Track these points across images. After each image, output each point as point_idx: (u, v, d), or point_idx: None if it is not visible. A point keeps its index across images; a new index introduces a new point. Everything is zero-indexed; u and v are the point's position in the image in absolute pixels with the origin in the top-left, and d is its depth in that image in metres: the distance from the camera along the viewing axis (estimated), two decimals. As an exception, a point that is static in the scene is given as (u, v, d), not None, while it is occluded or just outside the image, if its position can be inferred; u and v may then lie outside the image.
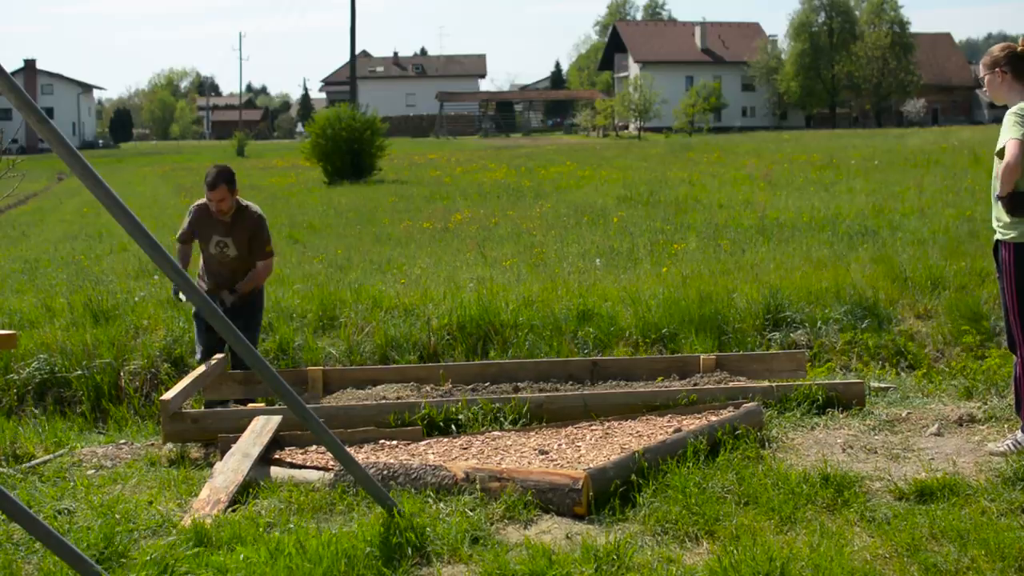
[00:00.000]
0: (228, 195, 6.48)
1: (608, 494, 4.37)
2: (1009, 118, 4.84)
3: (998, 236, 5.06)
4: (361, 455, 5.15)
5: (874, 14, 76.63)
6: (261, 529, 4.15)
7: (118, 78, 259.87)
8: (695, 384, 6.40)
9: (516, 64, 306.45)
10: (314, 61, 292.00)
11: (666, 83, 72.59)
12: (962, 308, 8.18)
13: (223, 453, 5.23)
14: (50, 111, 74.60)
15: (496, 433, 5.53)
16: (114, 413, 7.54)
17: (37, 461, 5.57)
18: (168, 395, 5.75)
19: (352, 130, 28.63)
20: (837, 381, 6.47)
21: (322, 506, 4.50)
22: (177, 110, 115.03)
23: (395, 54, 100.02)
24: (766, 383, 6.24)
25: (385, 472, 4.63)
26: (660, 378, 6.64)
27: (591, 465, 4.70)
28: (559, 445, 5.26)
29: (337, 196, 23.12)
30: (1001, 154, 4.84)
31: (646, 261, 11.11)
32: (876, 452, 5.18)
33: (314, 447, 5.36)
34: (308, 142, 30.86)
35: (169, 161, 49.17)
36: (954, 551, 3.81)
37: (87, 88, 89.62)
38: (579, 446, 5.23)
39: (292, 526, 4.17)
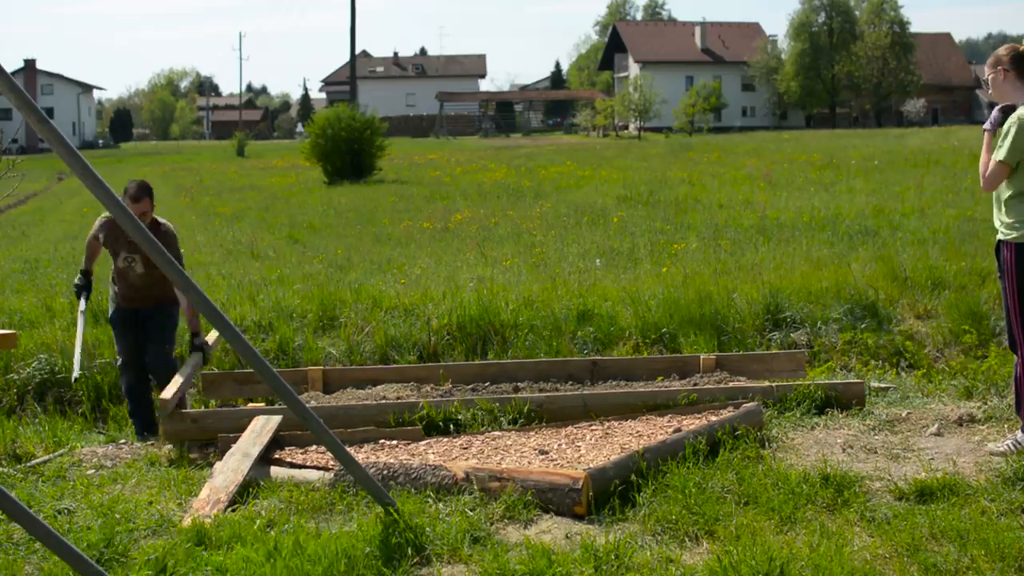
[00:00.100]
0: (150, 208, 6.50)
1: (608, 494, 4.38)
2: (1013, 126, 4.88)
3: (1000, 236, 5.08)
4: (361, 455, 5.15)
5: (874, 14, 76.60)
6: (261, 529, 4.15)
7: (118, 78, 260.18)
8: (695, 384, 6.40)
9: (516, 64, 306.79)
10: (314, 61, 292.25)
11: (666, 83, 72.57)
12: (962, 308, 8.18)
13: (223, 453, 5.23)
14: (50, 111, 74.61)
15: (496, 433, 5.53)
16: (114, 413, 7.54)
17: (37, 461, 5.57)
18: (166, 394, 5.75)
19: (352, 130, 28.64)
20: (837, 381, 6.48)
21: (322, 506, 4.50)
22: (177, 110, 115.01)
23: (395, 54, 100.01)
24: (766, 383, 6.25)
25: (385, 472, 4.63)
26: (660, 378, 6.64)
27: (591, 465, 4.71)
28: (559, 445, 5.26)
29: (337, 196, 23.12)
30: (999, 137, 4.95)
31: (646, 261, 11.11)
32: (876, 452, 5.18)
33: (314, 447, 5.36)
34: (308, 142, 30.86)
35: (169, 161, 49.18)
36: (954, 551, 3.81)
37: (87, 88, 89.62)
38: (579, 446, 5.23)
39: (292, 526, 4.17)
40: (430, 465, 4.66)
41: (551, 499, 4.35)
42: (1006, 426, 5.56)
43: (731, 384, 6.34)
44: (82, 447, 5.93)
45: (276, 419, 5.44)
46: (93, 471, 5.39)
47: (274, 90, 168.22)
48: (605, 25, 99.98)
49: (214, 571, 3.76)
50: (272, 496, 4.66)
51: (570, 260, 11.48)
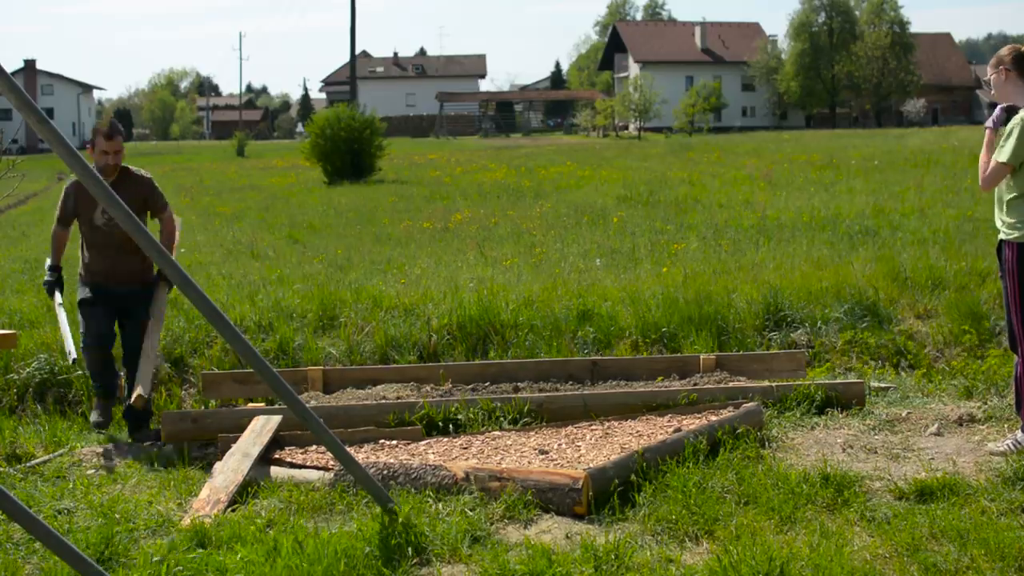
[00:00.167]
0: (122, 148, 6.18)
1: (608, 494, 4.38)
2: (1015, 127, 4.89)
3: (1002, 236, 5.09)
4: (361, 455, 5.15)
5: (874, 14, 76.60)
6: (261, 529, 4.15)
7: (118, 78, 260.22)
8: (695, 384, 6.40)
9: (516, 64, 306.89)
10: (314, 61, 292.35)
11: (666, 83, 72.57)
12: (962, 308, 8.17)
13: (223, 453, 5.24)
14: (50, 111, 74.63)
15: (496, 433, 5.53)
16: (114, 413, 7.53)
17: (37, 461, 5.57)
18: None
19: (352, 130, 28.63)
20: (837, 381, 6.48)
21: (322, 506, 4.50)
22: (177, 110, 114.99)
23: (395, 54, 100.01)
24: (766, 383, 6.25)
25: (385, 472, 4.63)
26: (660, 378, 6.64)
27: (591, 465, 4.71)
28: (559, 445, 5.26)
29: (337, 196, 23.11)
30: (1001, 134, 4.97)
31: (646, 261, 11.11)
32: (876, 452, 5.19)
33: (314, 447, 5.36)
34: (308, 142, 30.85)
35: (169, 161, 49.15)
36: (954, 551, 3.81)
37: (87, 88, 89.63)
38: (579, 446, 5.24)
39: (292, 526, 4.17)
40: (430, 465, 4.66)
41: (551, 499, 4.35)
42: (1006, 426, 5.56)
43: (731, 384, 6.34)
44: (82, 447, 5.93)
45: (276, 419, 5.44)
46: (93, 471, 5.39)
47: (274, 90, 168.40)
48: (605, 25, 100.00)
49: (214, 571, 3.76)
50: (272, 496, 4.66)
51: (570, 260, 11.47)
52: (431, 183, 25.68)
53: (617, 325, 8.19)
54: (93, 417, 6.30)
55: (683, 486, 4.42)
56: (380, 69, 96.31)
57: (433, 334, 8.14)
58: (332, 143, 28.53)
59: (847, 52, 75.23)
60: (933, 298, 8.62)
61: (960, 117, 74.54)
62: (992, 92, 5.22)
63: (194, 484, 5.00)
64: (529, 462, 4.98)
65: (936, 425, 5.63)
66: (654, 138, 57.93)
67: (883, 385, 6.67)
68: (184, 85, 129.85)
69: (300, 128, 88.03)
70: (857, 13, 77.79)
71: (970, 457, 5.07)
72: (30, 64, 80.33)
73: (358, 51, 63.65)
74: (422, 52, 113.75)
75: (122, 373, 6.47)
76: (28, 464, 5.50)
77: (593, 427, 5.59)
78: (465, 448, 5.26)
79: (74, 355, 6.08)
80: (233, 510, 4.50)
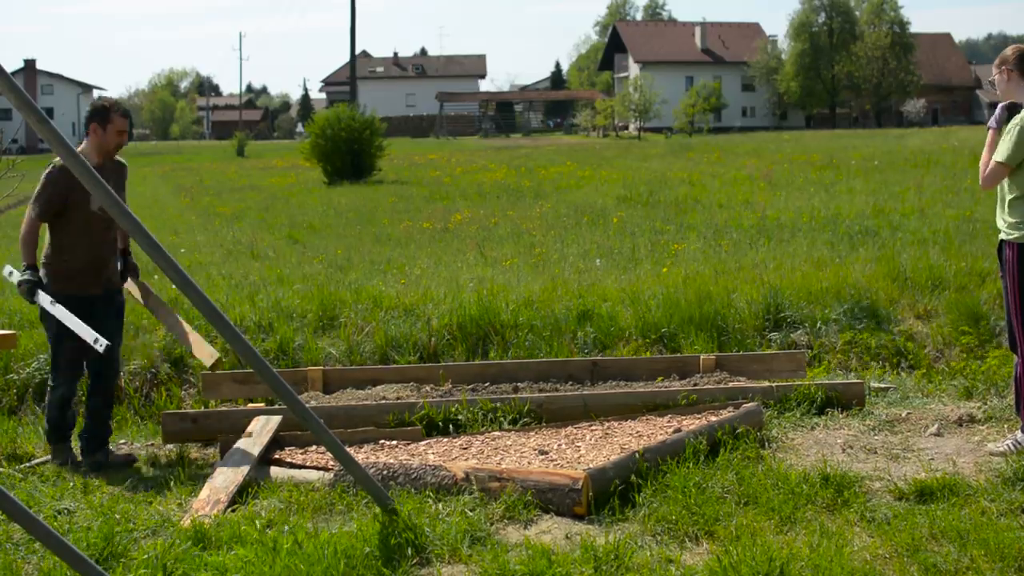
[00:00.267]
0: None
1: (608, 494, 4.38)
2: (1015, 128, 4.89)
3: (1003, 236, 5.09)
4: (361, 455, 5.15)
5: (874, 14, 76.61)
6: (261, 529, 4.15)
7: (118, 78, 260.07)
8: (695, 384, 6.40)
9: (516, 64, 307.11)
10: (314, 61, 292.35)
11: (666, 83, 72.56)
12: (962, 308, 8.18)
13: (223, 453, 5.24)
14: (50, 111, 74.61)
15: (496, 433, 5.53)
16: (114, 413, 7.53)
17: (37, 461, 5.57)
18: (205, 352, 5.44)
19: (352, 130, 28.65)
20: (837, 381, 6.48)
21: (322, 506, 4.50)
22: (177, 110, 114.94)
23: (395, 54, 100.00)
24: (766, 383, 6.25)
25: (385, 472, 4.63)
26: (660, 378, 6.64)
27: (591, 465, 4.71)
28: (559, 445, 5.26)
29: (337, 196, 23.12)
30: (1002, 134, 4.97)
31: (646, 261, 11.11)
32: (876, 452, 5.19)
33: (314, 447, 5.36)
34: (308, 142, 30.87)
35: (169, 161, 49.14)
36: (954, 551, 3.81)
37: (87, 88, 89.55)
38: (579, 446, 5.24)
39: (291, 526, 4.17)
40: (430, 465, 4.66)
41: (551, 499, 4.35)
42: (1006, 426, 5.56)
43: (731, 384, 6.34)
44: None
45: (276, 419, 5.44)
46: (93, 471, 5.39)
47: (274, 90, 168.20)
48: (605, 25, 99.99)
49: (214, 571, 3.76)
50: (272, 496, 4.66)
51: (570, 260, 11.48)
52: (431, 183, 25.68)
53: (617, 325, 8.19)
54: (60, 460, 5.54)
55: (683, 486, 4.42)
56: (380, 69, 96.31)
57: (433, 334, 8.14)
58: (332, 143, 28.55)
59: (847, 52, 75.23)
60: (933, 298, 8.62)
61: (960, 117, 74.55)
62: (996, 92, 5.23)
63: (194, 484, 5.00)
64: (529, 462, 4.98)
65: (936, 425, 5.63)
66: (654, 138, 57.94)
67: (883, 385, 6.67)
68: (184, 85, 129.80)
69: (300, 128, 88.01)
70: (857, 13, 77.79)
71: (970, 457, 5.07)
72: (30, 64, 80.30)
73: (358, 51, 63.65)
74: (422, 52, 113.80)
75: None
76: (28, 464, 5.50)
77: (593, 427, 5.59)
78: (465, 448, 5.26)
79: (103, 340, 5.11)
80: (233, 510, 4.50)
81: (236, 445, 5.18)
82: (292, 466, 5.12)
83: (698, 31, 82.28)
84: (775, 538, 3.95)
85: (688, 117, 67.31)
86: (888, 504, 4.38)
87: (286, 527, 4.15)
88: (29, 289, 5.42)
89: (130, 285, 5.98)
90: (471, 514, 4.20)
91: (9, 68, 3.30)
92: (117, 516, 4.40)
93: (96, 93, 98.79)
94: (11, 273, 5.71)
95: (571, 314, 8.36)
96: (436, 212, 18.12)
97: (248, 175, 33.68)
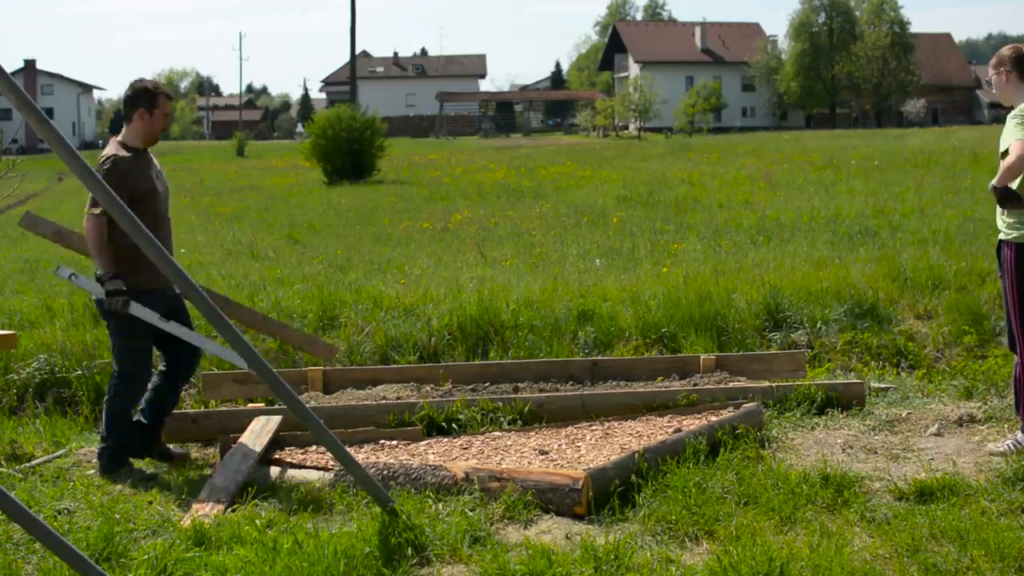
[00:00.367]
0: None
1: (608, 494, 4.38)
2: (1011, 121, 4.88)
3: (1002, 236, 5.09)
4: (361, 455, 5.16)
5: (874, 14, 76.63)
6: (261, 529, 4.15)
7: (118, 78, 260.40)
8: (695, 384, 6.40)
9: (516, 64, 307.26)
10: (314, 61, 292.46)
11: (666, 83, 72.58)
12: (962, 308, 8.17)
13: (223, 453, 5.24)
14: (50, 111, 74.60)
15: (496, 433, 5.53)
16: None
17: (37, 461, 5.57)
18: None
19: (352, 130, 28.66)
20: (837, 381, 6.48)
21: (322, 506, 4.50)
22: (177, 110, 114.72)
23: (395, 54, 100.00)
24: (766, 383, 6.25)
25: (385, 472, 4.63)
26: (660, 378, 6.64)
27: (591, 465, 4.71)
28: (559, 445, 5.26)
29: (337, 196, 23.12)
30: (1006, 155, 4.88)
31: (646, 261, 11.11)
32: (876, 452, 5.19)
33: (314, 447, 5.36)
34: (308, 142, 30.88)
35: (169, 161, 49.05)
36: (954, 551, 3.81)
37: (87, 88, 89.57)
38: (579, 446, 5.24)
39: (291, 526, 4.17)
40: (430, 465, 4.66)
41: (551, 499, 4.35)
42: (1006, 426, 5.57)
43: (731, 384, 6.34)
44: (82, 447, 5.93)
45: (276, 419, 5.44)
46: (93, 471, 5.39)
47: (274, 90, 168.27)
48: (605, 25, 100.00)
49: (214, 571, 3.76)
50: (272, 496, 4.66)
51: (570, 260, 11.48)
52: (431, 183, 25.68)
53: (617, 325, 8.19)
54: (124, 479, 5.17)
55: (683, 486, 4.42)
56: (380, 69, 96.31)
57: (433, 334, 8.14)
58: (332, 143, 28.56)
59: (847, 52, 75.24)
60: (933, 298, 8.62)
61: (960, 117, 74.56)
62: (993, 92, 5.22)
63: (194, 484, 5.00)
64: (529, 462, 4.98)
65: (936, 425, 5.63)
66: (654, 138, 57.93)
67: (883, 385, 6.67)
68: (184, 85, 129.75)
69: (300, 128, 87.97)
70: (857, 13, 77.82)
71: (970, 457, 5.07)
72: (30, 64, 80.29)
73: (358, 51, 63.66)
74: (422, 52, 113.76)
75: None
76: (28, 464, 5.50)
77: (593, 427, 5.59)
78: (465, 448, 5.27)
79: (230, 352, 4.76)
80: (233, 510, 4.50)
81: (236, 445, 5.18)
82: (292, 466, 5.12)
83: (698, 31, 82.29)
84: (775, 538, 3.95)
85: (688, 117, 67.33)
86: (888, 504, 4.38)
87: (286, 527, 4.15)
88: (125, 301, 5.04)
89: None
90: (471, 514, 4.20)
91: (9, 68, 3.30)
92: (117, 516, 4.40)
93: (96, 93, 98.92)
94: (74, 276, 5.30)
95: (571, 314, 8.35)
96: (436, 212, 18.12)
97: (248, 175, 33.69)
